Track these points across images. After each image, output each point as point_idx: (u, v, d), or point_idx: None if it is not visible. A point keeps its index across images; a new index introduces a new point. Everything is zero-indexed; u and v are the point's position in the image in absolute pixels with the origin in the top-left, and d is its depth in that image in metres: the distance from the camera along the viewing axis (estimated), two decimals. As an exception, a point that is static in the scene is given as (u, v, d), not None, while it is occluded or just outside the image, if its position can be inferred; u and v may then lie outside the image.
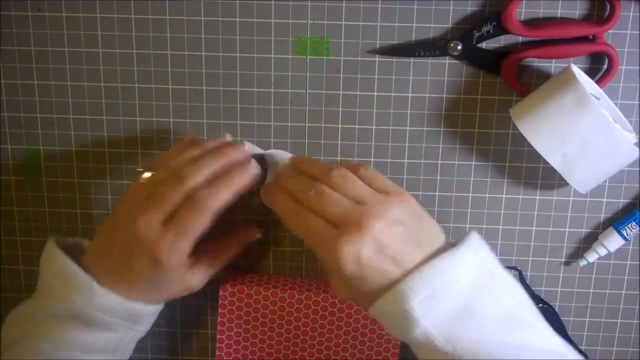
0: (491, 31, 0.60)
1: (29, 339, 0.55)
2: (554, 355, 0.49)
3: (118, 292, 0.54)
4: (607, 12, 0.59)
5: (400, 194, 0.51)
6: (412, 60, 0.61)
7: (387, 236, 0.48)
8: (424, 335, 0.47)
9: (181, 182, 0.52)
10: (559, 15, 0.60)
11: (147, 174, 0.55)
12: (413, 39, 0.61)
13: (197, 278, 0.57)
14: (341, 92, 0.63)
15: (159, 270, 0.53)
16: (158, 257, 0.52)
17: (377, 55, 0.62)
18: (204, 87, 0.63)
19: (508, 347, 0.47)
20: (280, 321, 0.64)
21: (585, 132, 0.55)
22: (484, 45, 0.61)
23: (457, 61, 0.61)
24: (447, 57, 0.61)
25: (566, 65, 0.58)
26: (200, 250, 0.55)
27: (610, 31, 0.60)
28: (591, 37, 0.59)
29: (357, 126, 0.64)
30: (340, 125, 0.64)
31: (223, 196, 0.53)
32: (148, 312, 0.57)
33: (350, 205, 0.49)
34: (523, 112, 0.58)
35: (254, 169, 0.56)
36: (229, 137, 0.59)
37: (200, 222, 0.52)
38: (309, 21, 0.61)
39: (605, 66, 0.60)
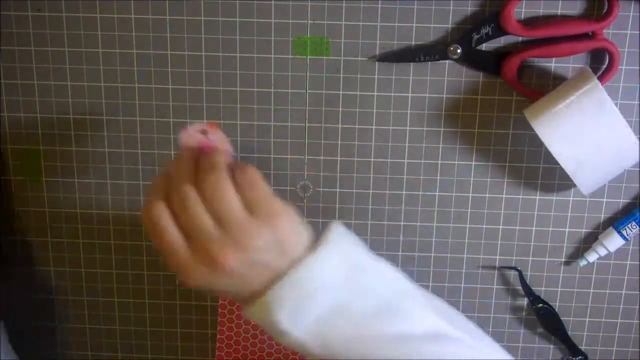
0: (490, 33, 0.60)
1: None
2: (434, 339, 0.46)
3: None
4: (606, 9, 0.59)
5: (271, 216, 0.45)
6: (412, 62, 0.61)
7: (239, 272, 0.44)
8: (298, 344, 0.45)
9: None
10: (558, 14, 0.60)
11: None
12: (413, 39, 0.61)
13: None
14: (341, 92, 0.63)
15: None
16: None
17: (376, 55, 0.62)
18: (204, 87, 0.63)
19: (382, 340, 0.45)
20: None
21: (600, 135, 0.55)
22: (483, 47, 0.61)
23: (457, 64, 0.61)
24: (447, 60, 0.61)
25: (580, 66, 0.58)
26: None
27: (610, 31, 0.60)
28: (591, 34, 0.59)
29: (357, 126, 0.64)
30: (340, 125, 0.64)
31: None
32: None
33: (209, 231, 0.44)
34: (540, 113, 0.57)
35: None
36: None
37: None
38: (309, 21, 0.61)
39: (606, 65, 0.60)
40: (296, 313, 0.45)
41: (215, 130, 0.52)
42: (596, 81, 0.55)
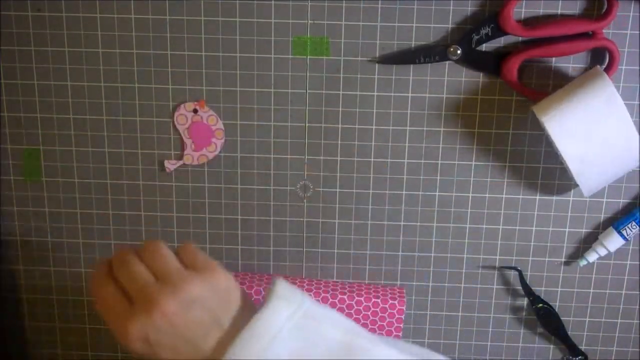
0: (490, 33, 0.60)
1: None
2: None
3: None
4: (605, 8, 0.59)
5: (206, 269, 0.46)
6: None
7: (179, 317, 0.44)
8: None
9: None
10: (558, 14, 0.60)
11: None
12: (413, 39, 0.61)
13: None
14: (341, 92, 0.63)
15: None
16: None
17: (376, 58, 0.62)
18: (204, 87, 0.63)
19: None
20: None
21: (608, 134, 0.55)
22: (483, 47, 0.61)
23: (457, 64, 0.61)
24: (447, 61, 0.61)
25: (581, 65, 0.58)
26: None
27: (610, 31, 0.60)
28: (590, 33, 0.59)
29: (357, 126, 0.64)
30: (340, 125, 0.64)
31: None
32: None
33: (147, 281, 0.45)
34: (549, 109, 0.57)
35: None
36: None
37: None
38: (309, 21, 0.61)
39: (606, 64, 0.60)
40: None
41: (205, 108, 0.56)
42: (607, 78, 0.55)
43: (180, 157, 0.65)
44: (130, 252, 0.48)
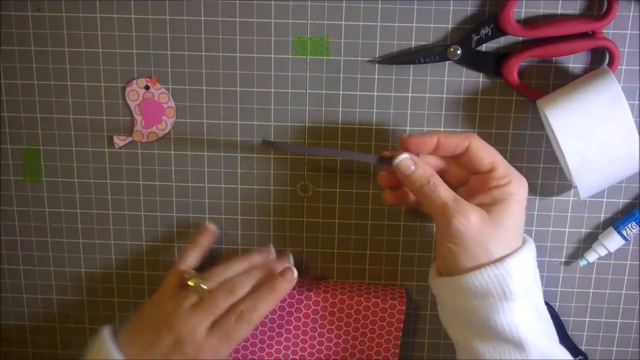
0: (490, 34, 0.60)
1: None
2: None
3: None
4: (605, 8, 0.59)
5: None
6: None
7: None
8: (507, 324, 0.52)
9: (231, 292, 0.58)
10: (558, 14, 0.60)
11: (194, 277, 0.59)
12: (413, 39, 0.61)
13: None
14: (341, 92, 0.63)
15: None
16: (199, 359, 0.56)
17: (376, 58, 0.62)
18: (204, 87, 0.63)
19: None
20: (280, 321, 0.64)
21: (610, 134, 0.55)
22: (483, 47, 0.61)
23: (457, 65, 0.61)
24: (447, 62, 0.61)
25: (582, 66, 0.58)
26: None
27: (610, 31, 0.60)
28: (590, 33, 0.59)
29: (357, 126, 0.64)
30: (340, 125, 0.64)
31: (266, 307, 0.58)
32: None
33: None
34: (553, 102, 0.57)
35: (293, 277, 0.60)
36: (273, 252, 0.65)
37: (243, 331, 0.57)
38: (309, 21, 0.61)
39: (606, 63, 0.60)
40: (527, 290, 0.54)
41: (157, 85, 0.58)
42: (613, 78, 0.55)
43: (130, 134, 0.65)
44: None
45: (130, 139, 0.64)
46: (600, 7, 0.60)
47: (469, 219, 0.51)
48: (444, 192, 0.53)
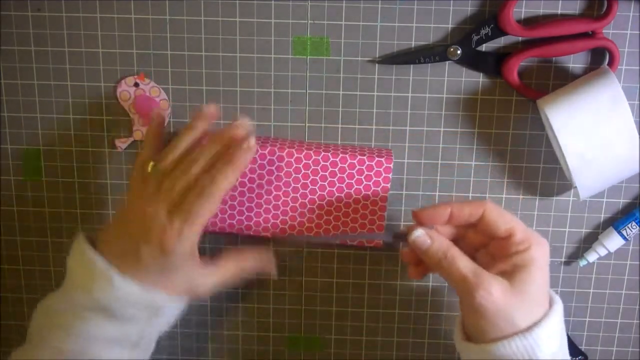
0: (490, 34, 0.60)
1: (52, 329, 0.55)
2: None
3: (134, 281, 0.54)
4: (605, 8, 0.59)
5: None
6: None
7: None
8: None
9: (184, 170, 0.55)
10: (558, 14, 0.60)
11: (152, 164, 0.56)
12: (413, 39, 0.61)
13: (205, 279, 0.57)
14: (341, 92, 0.63)
15: (167, 258, 0.54)
16: (165, 245, 0.53)
17: (376, 58, 0.62)
18: (204, 87, 0.63)
19: None
20: (260, 180, 0.62)
21: (610, 133, 0.55)
22: (483, 47, 0.61)
23: (457, 65, 0.61)
24: (447, 62, 0.61)
25: (582, 65, 0.58)
26: (217, 258, 0.58)
27: (610, 31, 0.60)
28: (590, 33, 0.59)
29: (357, 126, 0.64)
30: (340, 126, 0.64)
31: (227, 179, 0.54)
32: (168, 305, 0.57)
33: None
34: (554, 101, 0.57)
35: (252, 144, 0.55)
36: (213, 109, 0.59)
37: (205, 208, 0.54)
38: (309, 21, 0.61)
39: (606, 63, 0.60)
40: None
41: (145, 80, 0.57)
42: (614, 78, 0.55)
43: (130, 134, 0.65)
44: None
45: (131, 139, 0.64)
46: (600, 7, 0.60)
47: (492, 293, 0.50)
48: (464, 265, 0.52)
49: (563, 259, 0.66)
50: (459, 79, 0.62)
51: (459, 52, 0.60)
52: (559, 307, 0.53)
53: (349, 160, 0.61)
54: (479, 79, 0.62)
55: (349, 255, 0.67)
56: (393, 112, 0.63)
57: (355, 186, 0.62)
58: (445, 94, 0.62)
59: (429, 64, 0.62)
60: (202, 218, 0.54)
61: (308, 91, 0.63)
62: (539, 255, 0.52)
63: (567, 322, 0.67)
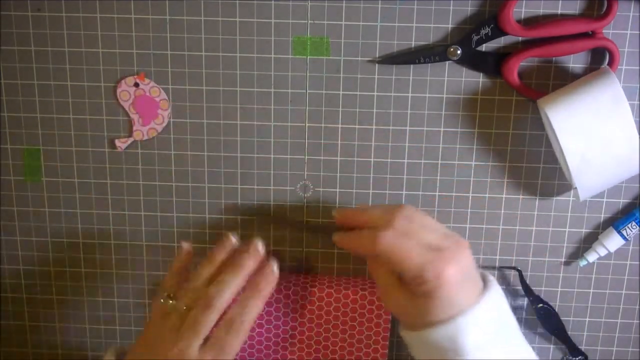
0: (490, 34, 0.60)
1: None
2: None
3: None
4: (605, 8, 0.59)
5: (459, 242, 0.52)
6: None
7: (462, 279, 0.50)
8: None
9: (209, 306, 0.54)
10: (558, 14, 0.60)
11: (168, 299, 0.56)
12: (413, 39, 0.61)
13: None
14: (341, 92, 0.63)
15: None
16: None
17: (376, 58, 0.62)
18: (204, 87, 0.63)
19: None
20: (267, 317, 0.64)
21: (610, 134, 0.55)
22: (483, 47, 0.61)
23: (457, 65, 0.61)
24: (447, 62, 0.61)
25: (582, 65, 0.58)
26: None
27: (610, 31, 0.60)
28: (590, 33, 0.59)
29: (357, 126, 0.64)
30: (340, 126, 0.64)
31: (255, 311, 0.55)
32: None
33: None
34: (554, 101, 0.57)
35: (275, 270, 0.57)
36: (234, 240, 0.59)
37: (237, 341, 0.54)
38: (309, 21, 0.61)
39: (606, 63, 0.60)
40: (483, 340, 0.50)
41: (146, 80, 0.57)
42: (615, 78, 0.55)
43: (130, 134, 0.65)
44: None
45: (131, 139, 0.64)
46: (600, 7, 0.60)
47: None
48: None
49: (563, 259, 0.66)
50: (459, 79, 0.62)
51: (459, 52, 0.60)
52: (492, 291, 0.52)
53: (352, 296, 0.63)
54: (479, 79, 0.62)
55: (349, 255, 0.67)
56: (393, 112, 0.63)
57: (359, 319, 0.64)
58: (445, 94, 0.62)
59: (429, 64, 0.62)
60: (235, 351, 0.54)
61: (308, 91, 0.63)
62: (442, 276, 0.49)
63: (567, 322, 0.67)
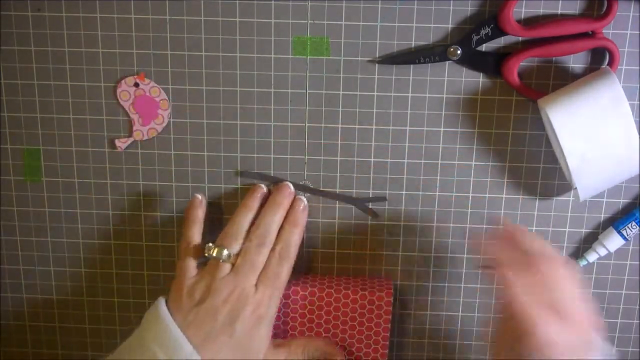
0: (490, 34, 0.60)
1: None
2: None
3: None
4: (605, 8, 0.59)
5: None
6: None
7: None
8: None
9: (263, 244, 0.60)
10: (558, 14, 0.60)
11: (214, 248, 0.60)
12: (413, 39, 0.61)
13: (274, 357, 0.60)
14: (341, 92, 0.63)
15: (260, 329, 0.59)
16: (261, 313, 0.59)
17: (376, 58, 0.62)
18: (204, 87, 0.63)
19: None
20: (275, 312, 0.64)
21: (610, 134, 0.55)
22: (483, 47, 0.61)
23: (457, 65, 0.61)
24: (447, 62, 0.61)
25: (582, 65, 0.58)
26: (287, 340, 0.63)
27: (610, 31, 0.60)
28: (590, 33, 0.59)
29: (357, 126, 0.64)
30: (340, 126, 0.64)
31: (297, 240, 0.62)
32: None
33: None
34: (555, 101, 0.57)
35: (306, 204, 0.64)
36: (264, 188, 0.64)
37: (287, 269, 0.61)
38: (309, 21, 0.61)
39: (606, 63, 0.60)
40: None
41: (146, 80, 0.59)
42: (615, 79, 0.55)
43: (130, 134, 0.65)
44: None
45: (131, 139, 0.64)
46: (600, 7, 0.60)
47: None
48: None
49: (563, 259, 0.66)
50: (459, 79, 0.62)
51: (459, 52, 0.60)
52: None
53: (351, 296, 0.63)
54: (479, 79, 0.62)
55: (349, 255, 0.67)
56: (393, 112, 0.63)
57: (359, 319, 0.64)
58: (445, 94, 0.62)
59: (429, 64, 0.62)
60: (285, 280, 0.61)
61: (308, 91, 0.63)
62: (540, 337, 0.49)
63: (567, 322, 0.67)
